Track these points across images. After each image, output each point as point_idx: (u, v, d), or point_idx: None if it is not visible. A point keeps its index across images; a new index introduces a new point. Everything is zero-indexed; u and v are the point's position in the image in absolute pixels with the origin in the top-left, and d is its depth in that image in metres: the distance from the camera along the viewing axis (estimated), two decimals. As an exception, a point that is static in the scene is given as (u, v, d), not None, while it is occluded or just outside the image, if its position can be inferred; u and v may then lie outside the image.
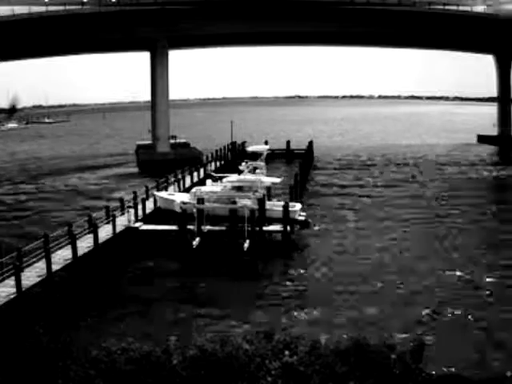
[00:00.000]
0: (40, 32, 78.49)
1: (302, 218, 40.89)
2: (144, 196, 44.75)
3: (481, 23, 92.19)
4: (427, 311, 27.07)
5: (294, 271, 33.99)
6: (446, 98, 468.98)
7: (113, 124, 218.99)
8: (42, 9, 76.69)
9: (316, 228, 42.68)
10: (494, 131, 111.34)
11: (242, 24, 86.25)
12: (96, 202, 54.03)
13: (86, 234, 35.39)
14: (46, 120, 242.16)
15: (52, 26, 78.00)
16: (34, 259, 29.32)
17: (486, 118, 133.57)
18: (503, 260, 35.02)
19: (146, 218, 41.87)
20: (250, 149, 50.71)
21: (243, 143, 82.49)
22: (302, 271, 33.86)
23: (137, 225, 39.84)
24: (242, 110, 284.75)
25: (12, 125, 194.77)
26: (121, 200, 42.48)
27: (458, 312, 26.84)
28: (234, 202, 39.48)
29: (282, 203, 40.17)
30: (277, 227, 39.31)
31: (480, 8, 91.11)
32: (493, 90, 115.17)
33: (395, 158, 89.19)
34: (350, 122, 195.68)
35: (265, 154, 47.42)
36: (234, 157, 76.20)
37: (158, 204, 44.48)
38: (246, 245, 36.95)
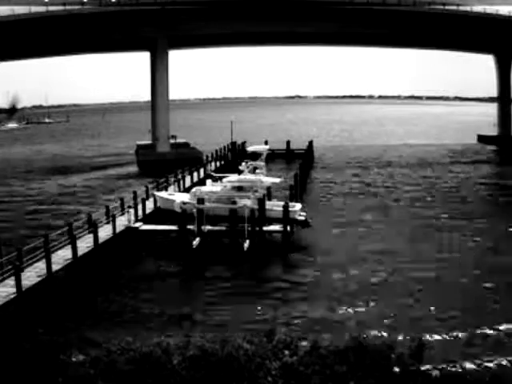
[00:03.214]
0: (40, 32, 78.52)
1: (302, 218, 40.86)
2: (144, 196, 44.76)
3: (481, 23, 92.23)
4: (428, 310, 27.07)
5: (293, 271, 33.97)
6: (446, 98, 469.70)
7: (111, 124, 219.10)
8: (42, 9, 76.72)
9: (316, 228, 42.59)
10: (494, 131, 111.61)
11: (241, 24, 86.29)
12: (96, 202, 54.05)
13: (86, 234, 35.40)
14: (46, 120, 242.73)
15: (52, 25, 78.02)
16: (34, 259, 29.35)
17: (486, 117, 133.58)
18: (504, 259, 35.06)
19: (146, 218, 41.86)
20: (250, 149, 50.62)
21: (243, 143, 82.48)
22: (301, 271, 33.83)
23: (137, 225, 39.83)
24: (241, 112, 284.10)
25: (12, 125, 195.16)
26: (121, 200, 42.47)
27: (458, 311, 26.86)
28: (234, 202, 39.45)
29: (282, 203, 40.15)
30: (277, 227, 39.28)
31: (480, 8, 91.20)
32: (493, 90, 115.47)
33: (397, 158, 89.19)
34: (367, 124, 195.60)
35: (265, 154, 47.37)
36: (234, 157, 76.20)
37: (158, 204, 44.46)
38: (246, 245, 36.93)
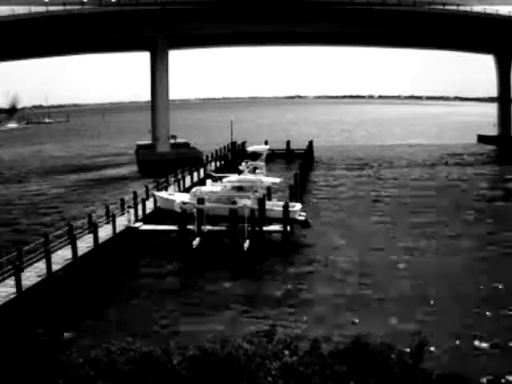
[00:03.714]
0: (40, 32, 78.54)
1: (302, 218, 40.87)
2: (144, 196, 44.76)
3: (481, 23, 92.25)
4: (429, 311, 27.07)
5: (293, 271, 33.95)
6: (446, 98, 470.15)
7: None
8: (42, 9, 76.74)
9: (316, 228, 42.60)
10: (494, 131, 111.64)
11: (241, 24, 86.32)
12: (96, 202, 54.05)
13: (86, 234, 35.40)
14: (46, 120, 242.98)
15: (52, 25, 78.04)
16: (34, 259, 29.35)
17: (486, 118, 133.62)
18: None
19: (146, 218, 41.87)
20: (250, 149, 50.67)
21: (243, 143, 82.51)
22: (301, 271, 33.83)
23: (137, 225, 39.84)
24: (242, 112, 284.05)
25: (12, 125, 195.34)
26: (121, 200, 42.48)
27: (458, 311, 26.86)
28: (234, 202, 39.47)
29: (282, 203, 40.16)
30: (277, 227, 39.29)
31: (480, 8, 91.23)
32: (493, 90, 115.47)
33: (397, 158, 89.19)
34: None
35: (265, 154, 47.39)
36: (233, 157, 76.21)
37: (158, 204, 44.48)
38: (246, 245, 36.94)
